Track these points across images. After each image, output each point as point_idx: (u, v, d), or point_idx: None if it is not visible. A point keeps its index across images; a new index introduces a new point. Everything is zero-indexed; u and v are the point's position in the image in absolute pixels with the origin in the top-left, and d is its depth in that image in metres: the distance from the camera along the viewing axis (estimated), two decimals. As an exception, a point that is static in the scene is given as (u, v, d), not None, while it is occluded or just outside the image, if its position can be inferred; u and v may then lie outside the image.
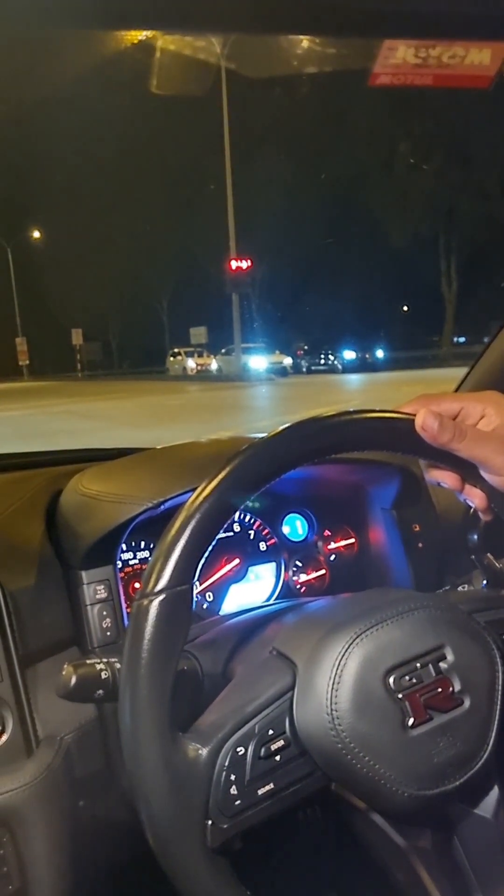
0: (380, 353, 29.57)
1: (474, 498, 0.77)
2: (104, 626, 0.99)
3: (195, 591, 0.66)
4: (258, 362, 26.52)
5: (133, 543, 1.14)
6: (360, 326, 31.55)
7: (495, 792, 0.73)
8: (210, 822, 0.64)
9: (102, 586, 1.00)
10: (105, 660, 0.75)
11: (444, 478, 0.77)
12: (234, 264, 23.05)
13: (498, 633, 0.74)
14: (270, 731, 0.67)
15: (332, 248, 34.79)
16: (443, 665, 0.69)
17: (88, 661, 0.74)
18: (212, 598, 1.19)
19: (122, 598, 1.03)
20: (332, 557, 1.32)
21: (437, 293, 32.30)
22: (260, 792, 0.66)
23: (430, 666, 0.69)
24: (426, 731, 0.67)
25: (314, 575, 1.30)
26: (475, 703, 0.69)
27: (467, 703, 0.69)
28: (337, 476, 1.23)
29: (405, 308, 42.00)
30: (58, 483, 1.15)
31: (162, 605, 0.63)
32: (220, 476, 0.66)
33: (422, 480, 1.19)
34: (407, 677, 0.67)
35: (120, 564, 1.08)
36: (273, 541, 1.28)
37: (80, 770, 0.95)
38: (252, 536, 1.27)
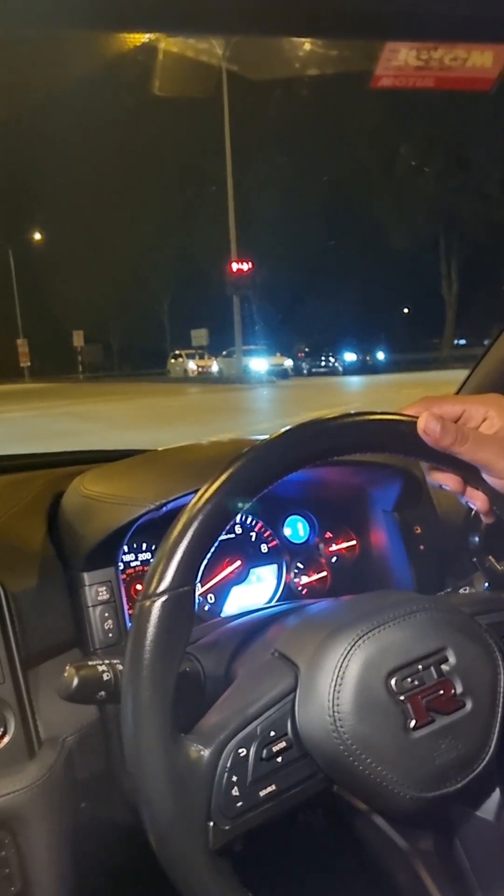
0: (380, 356, 29.55)
1: (476, 500, 0.77)
2: (106, 627, 0.99)
3: (197, 593, 0.66)
4: (259, 364, 26.51)
5: (135, 545, 1.14)
6: (360, 328, 31.54)
7: (497, 794, 0.73)
8: (212, 823, 0.64)
9: (104, 588, 1.00)
10: (107, 661, 0.75)
11: (446, 480, 0.77)
12: (234, 266, 23.06)
13: (500, 636, 0.74)
14: (272, 733, 0.67)
15: (333, 250, 34.80)
16: (445, 667, 0.69)
17: (90, 663, 0.74)
18: (213, 600, 1.19)
19: (124, 599, 1.03)
20: (334, 559, 1.32)
21: (437, 295, 32.31)
22: (262, 793, 0.66)
23: (432, 668, 0.69)
24: (428, 733, 0.67)
25: (315, 577, 1.30)
26: (477, 705, 0.69)
27: (469, 705, 0.69)
28: (338, 478, 1.23)
29: (406, 310, 42.00)
30: (59, 485, 1.15)
31: (164, 607, 0.63)
32: (223, 477, 0.66)
33: (423, 482, 1.19)
34: (409, 679, 0.68)
35: (122, 566, 1.08)
36: (274, 542, 1.28)
37: (81, 772, 0.95)
38: (253, 538, 1.27)
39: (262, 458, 0.68)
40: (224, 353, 28.86)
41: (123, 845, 0.95)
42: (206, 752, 0.65)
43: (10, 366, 35.07)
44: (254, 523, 1.27)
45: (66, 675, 0.74)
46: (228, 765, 0.65)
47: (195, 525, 0.65)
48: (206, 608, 1.18)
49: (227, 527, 0.67)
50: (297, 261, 34.00)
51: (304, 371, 29.51)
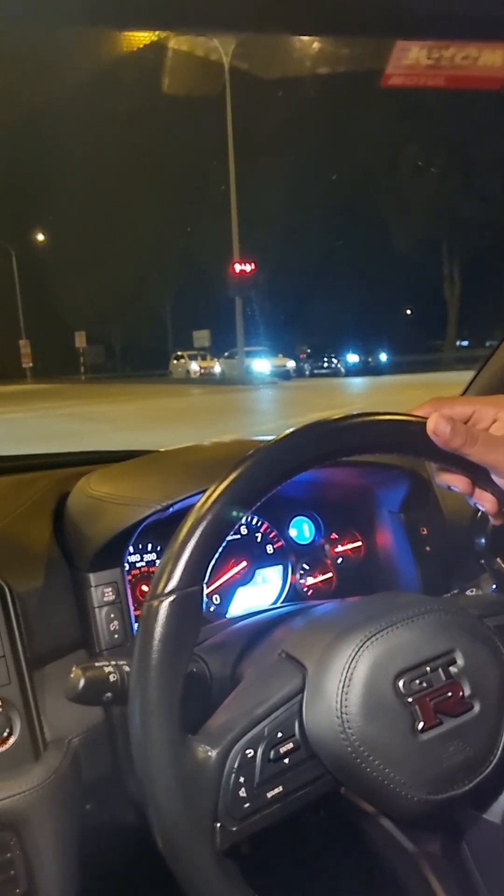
0: (383, 357, 29.56)
1: (485, 502, 0.77)
2: (112, 628, 0.99)
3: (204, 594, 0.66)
4: (261, 365, 26.51)
5: (140, 546, 1.14)
6: (363, 330, 31.60)
7: None
8: (219, 824, 0.64)
9: (110, 589, 1.00)
10: (113, 662, 0.74)
11: (455, 482, 0.76)
12: (237, 267, 23.07)
13: None
14: (280, 734, 0.67)
15: (336, 251, 34.87)
16: (453, 669, 0.69)
17: (97, 664, 0.74)
18: (218, 601, 1.19)
19: (130, 600, 1.02)
20: (340, 560, 1.32)
21: (440, 297, 32.33)
22: (269, 795, 0.65)
23: (441, 670, 0.68)
24: (436, 735, 0.66)
25: (321, 578, 1.30)
26: (485, 707, 0.69)
27: (477, 707, 0.68)
28: (344, 479, 1.22)
29: (408, 311, 42.04)
30: (65, 485, 1.14)
31: (172, 606, 0.63)
32: (232, 477, 0.66)
33: (429, 483, 1.19)
34: (417, 681, 0.67)
35: (127, 567, 1.07)
36: (280, 543, 1.28)
37: (87, 773, 0.94)
38: (259, 539, 1.26)
39: (271, 458, 0.68)
40: (226, 354, 28.87)
41: (129, 847, 0.95)
42: (213, 753, 0.65)
43: (12, 366, 35.14)
44: (259, 524, 1.27)
45: (72, 676, 0.74)
46: (236, 766, 0.65)
47: (203, 525, 0.64)
48: (212, 609, 1.18)
49: (235, 527, 0.67)
50: (300, 262, 34.06)
51: (307, 372, 29.52)
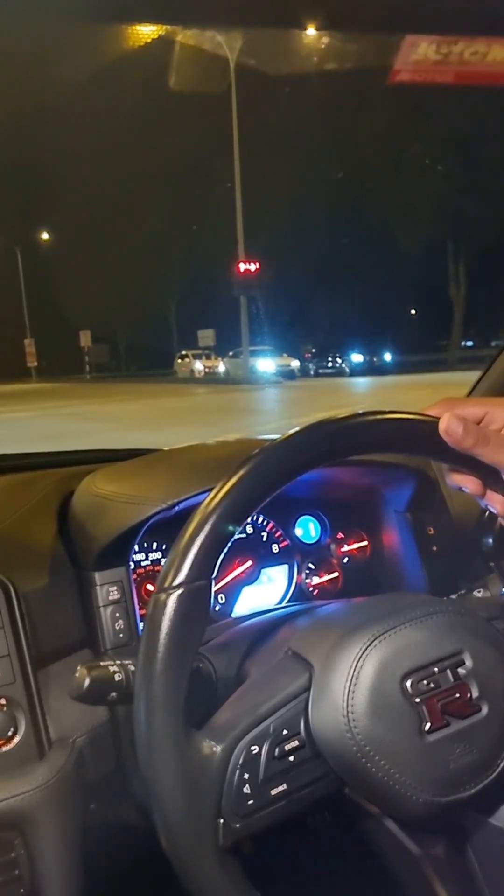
0: (387, 357, 29.53)
1: (496, 504, 0.76)
2: (117, 627, 0.99)
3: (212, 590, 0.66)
4: (266, 365, 26.51)
5: (145, 545, 1.13)
6: (367, 329, 31.57)
7: None
8: (222, 820, 0.63)
9: (115, 588, 1.00)
10: (118, 662, 0.74)
11: (466, 483, 0.76)
12: (242, 267, 23.08)
13: None
14: (285, 732, 0.67)
15: (341, 250, 34.85)
16: (461, 671, 0.68)
17: (102, 663, 0.74)
18: (224, 600, 1.19)
19: (135, 599, 1.02)
20: (345, 560, 1.31)
21: (445, 297, 32.31)
22: (273, 792, 0.65)
23: (449, 671, 0.68)
24: (443, 736, 0.66)
25: (327, 577, 1.30)
26: (493, 710, 0.68)
27: (485, 709, 0.68)
28: (350, 478, 1.22)
29: (413, 311, 42.00)
30: (69, 484, 1.14)
31: (180, 600, 0.63)
32: (241, 473, 0.65)
33: (436, 483, 1.18)
34: (424, 682, 0.67)
35: (132, 566, 1.07)
36: (286, 543, 1.27)
37: (91, 773, 0.94)
38: (265, 538, 1.26)
39: (281, 455, 0.67)
40: (231, 353, 28.89)
41: (132, 847, 0.95)
42: (218, 749, 0.64)
43: (17, 366, 35.21)
44: (265, 523, 1.26)
45: (77, 675, 0.73)
46: (240, 762, 0.64)
47: (212, 520, 0.64)
48: (217, 608, 1.17)
49: (243, 524, 0.67)
50: (305, 261, 34.07)
51: (311, 372, 29.51)
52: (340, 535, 1.32)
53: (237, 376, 26.12)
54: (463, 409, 0.73)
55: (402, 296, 37.50)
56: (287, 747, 0.66)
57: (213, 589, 0.65)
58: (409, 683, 0.66)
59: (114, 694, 0.73)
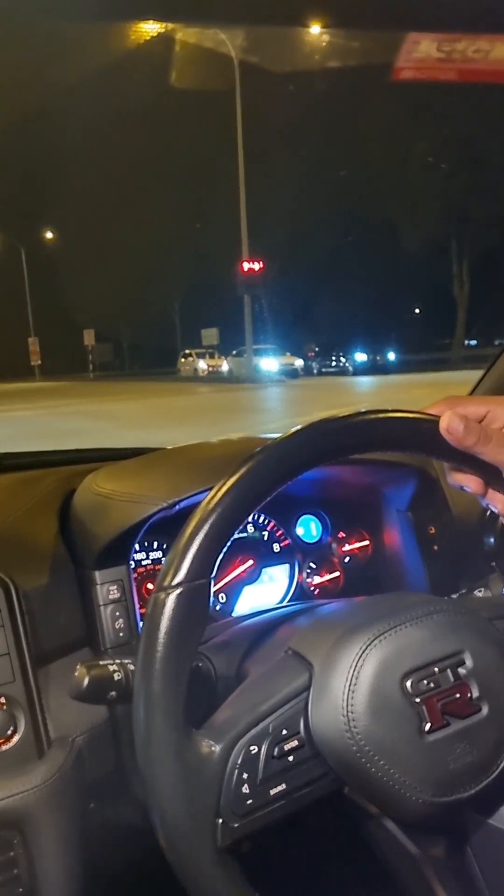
0: (391, 356, 29.55)
1: (497, 503, 0.76)
2: (117, 626, 0.99)
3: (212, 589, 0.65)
4: (269, 364, 26.52)
5: (146, 544, 1.13)
6: (371, 328, 31.59)
7: None
8: (221, 820, 0.63)
9: (116, 587, 0.99)
10: (118, 661, 0.74)
11: (467, 482, 0.76)
12: (245, 266, 23.06)
13: None
14: (284, 731, 0.66)
15: (344, 249, 34.83)
16: (461, 670, 0.68)
17: (101, 663, 0.74)
18: (225, 600, 1.18)
19: (136, 598, 1.02)
20: (347, 559, 1.31)
21: (448, 296, 32.26)
22: (272, 792, 0.65)
23: (449, 671, 0.67)
24: (443, 736, 0.66)
25: (328, 577, 1.29)
26: (493, 710, 0.68)
27: (485, 709, 0.68)
28: (352, 477, 1.22)
29: (416, 310, 41.98)
30: (71, 482, 1.14)
31: (179, 599, 0.63)
32: (241, 472, 0.65)
33: (438, 482, 1.18)
34: (425, 681, 0.66)
35: (133, 565, 1.07)
36: (287, 542, 1.27)
37: (91, 772, 0.94)
38: (266, 537, 1.26)
39: (282, 453, 0.67)
40: (234, 352, 28.89)
41: (132, 847, 0.95)
42: (217, 748, 0.64)
43: (20, 364, 35.27)
44: (266, 522, 1.26)
45: (77, 674, 0.73)
46: (239, 761, 0.64)
47: (212, 519, 0.64)
48: (218, 608, 1.17)
49: (243, 523, 0.66)
50: (309, 261, 34.08)
51: (315, 371, 29.51)
52: (342, 535, 1.31)
53: (241, 375, 26.11)
54: (464, 408, 0.72)
55: (406, 295, 37.51)
56: (286, 747, 0.66)
57: (213, 588, 0.65)
58: (409, 683, 0.66)
59: (113, 693, 0.73)
